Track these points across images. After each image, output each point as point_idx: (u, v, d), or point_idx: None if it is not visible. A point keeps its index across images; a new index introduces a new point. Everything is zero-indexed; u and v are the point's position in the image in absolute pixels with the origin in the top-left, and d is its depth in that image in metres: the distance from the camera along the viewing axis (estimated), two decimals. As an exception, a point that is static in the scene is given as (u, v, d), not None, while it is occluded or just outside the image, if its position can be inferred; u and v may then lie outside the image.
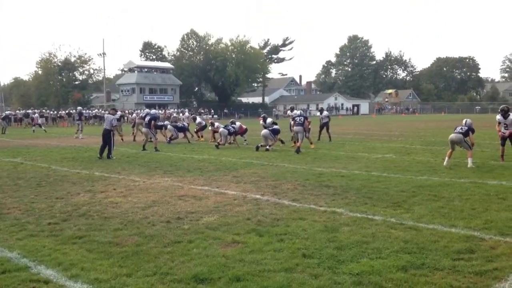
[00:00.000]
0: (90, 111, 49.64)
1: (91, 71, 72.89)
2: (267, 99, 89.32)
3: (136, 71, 72.67)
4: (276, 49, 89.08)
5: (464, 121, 11.73)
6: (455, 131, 11.50)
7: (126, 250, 5.05)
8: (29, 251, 5.07)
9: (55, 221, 6.41)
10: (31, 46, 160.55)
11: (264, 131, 16.76)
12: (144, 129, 17.99)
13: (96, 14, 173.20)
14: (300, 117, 16.15)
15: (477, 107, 78.50)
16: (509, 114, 12.14)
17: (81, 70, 72.25)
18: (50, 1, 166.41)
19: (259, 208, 7.02)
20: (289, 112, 19.44)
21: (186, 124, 22.86)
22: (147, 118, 18.00)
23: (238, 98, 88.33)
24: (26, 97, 72.65)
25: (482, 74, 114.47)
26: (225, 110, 70.20)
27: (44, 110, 47.40)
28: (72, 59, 70.13)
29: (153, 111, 23.42)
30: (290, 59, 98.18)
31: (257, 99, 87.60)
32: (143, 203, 7.52)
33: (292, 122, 17.49)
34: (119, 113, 19.71)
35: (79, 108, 30.69)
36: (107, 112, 23.27)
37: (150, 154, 15.51)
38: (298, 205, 7.20)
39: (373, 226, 5.91)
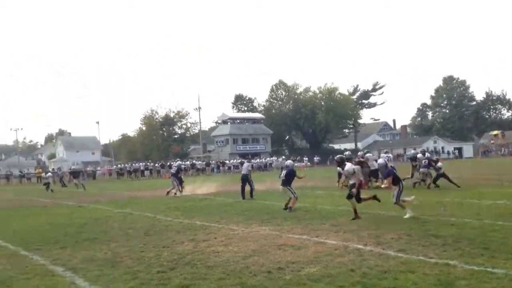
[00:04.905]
0: (188, 163, 52.22)
1: (188, 124, 77.70)
2: (360, 145, 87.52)
3: (229, 123, 76.00)
4: (366, 94, 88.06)
5: None
6: None
7: (231, 300, 5.06)
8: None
9: (163, 270, 6.67)
10: (134, 104, 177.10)
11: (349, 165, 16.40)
12: (171, 178, 20.72)
13: (191, 72, 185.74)
14: (426, 160, 17.26)
15: None
16: None
17: (179, 125, 77.33)
18: (152, 69, 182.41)
19: (362, 259, 6.71)
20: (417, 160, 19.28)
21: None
22: (173, 168, 21.07)
23: (330, 145, 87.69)
24: (132, 152, 78.47)
25: None
26: (316, 158, 69.68)
27: (148, 163, 50.83)
28: (172, 115, 75.42)
29: (177, 162, 25.97)
30: (382, 103, 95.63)
31: (349, 145, 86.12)
32: (243, 252, 7.58)
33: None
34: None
35: (178, 163, 26.27)
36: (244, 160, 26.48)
37: (246, 203, 15.76)
38: (405, 256, 6.77)
39: (493, 280, 5.35)
